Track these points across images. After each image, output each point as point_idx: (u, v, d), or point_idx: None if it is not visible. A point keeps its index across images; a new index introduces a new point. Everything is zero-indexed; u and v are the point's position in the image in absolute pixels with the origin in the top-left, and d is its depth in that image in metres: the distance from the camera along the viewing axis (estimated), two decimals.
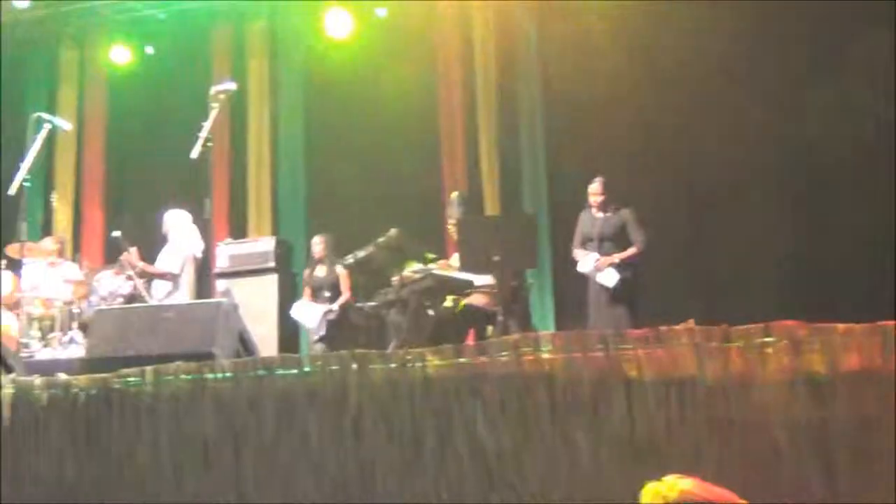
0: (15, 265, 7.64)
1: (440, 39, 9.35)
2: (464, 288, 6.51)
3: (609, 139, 8.15)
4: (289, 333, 8.18)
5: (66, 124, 7.19)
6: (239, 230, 9.51)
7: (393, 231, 6.92)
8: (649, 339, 3.50)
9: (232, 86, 6.88)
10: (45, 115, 6.92)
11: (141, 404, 4.14)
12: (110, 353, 5.07)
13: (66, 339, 7.51)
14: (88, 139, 10.31)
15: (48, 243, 8.27)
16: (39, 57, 10.53)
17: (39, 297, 7.63)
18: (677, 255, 7.85)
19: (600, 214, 6.98)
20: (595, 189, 7.00)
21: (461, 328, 6.55)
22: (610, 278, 6.75)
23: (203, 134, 6.18)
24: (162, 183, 9.18)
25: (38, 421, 4.28)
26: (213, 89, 6.62)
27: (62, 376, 4.44)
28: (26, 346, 7.18)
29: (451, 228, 7.12)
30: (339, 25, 9.35)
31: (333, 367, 3.90)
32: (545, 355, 3.61)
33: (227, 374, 4.08)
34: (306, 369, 3.96)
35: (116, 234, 7.68)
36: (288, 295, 8.25)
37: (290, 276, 8.55)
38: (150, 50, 10.13)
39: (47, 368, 5.44)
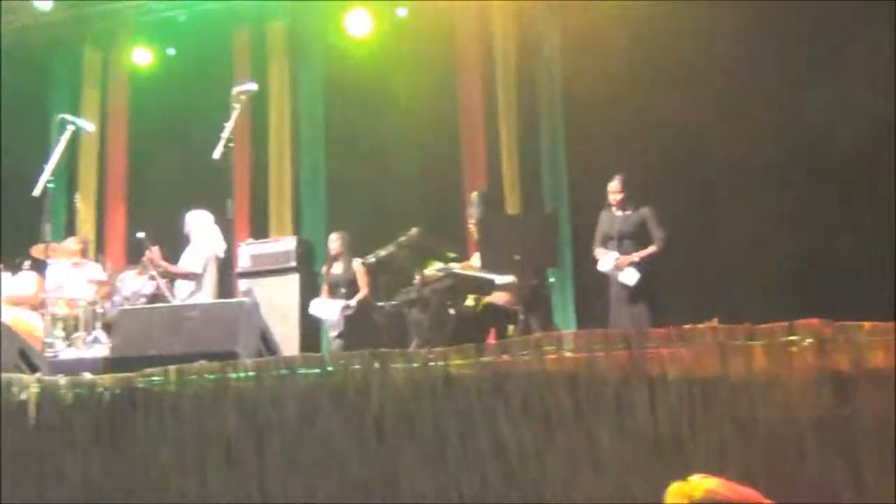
0: (39, 266, 7.70)
1: (460, 39, 9.34)
2: (485, 287, 6.51)
3: (629, 138, 8.10)
4: (310, 332, 8.21)
5: (89, 126, 7.24)
6: (260, 230, 9.54)
7: (414, 230, 6.91)
8: (673, 338, 3.49)
9: (253, 86, 6.92)
10: (68, 117, 7.01)
11: (164, 403, 4.17)
12: (134, 352, 5.09)
13: (90, 338, 7.54)
14: (111, 140, 10.37)
15: (72, 244, 8.32)
16: (63, 59, 10.59)
17: (63, 297, 7.67)
18: (688, 253, 7.79)
19: (620, 213, 6.96)
20: (615, 187, 6.98)
21: (482, 327, 6.53)
22: (630, 277, 6.73)
23: (225, 134, 6.22)
24: (184, 183, 9.22)
25: (63, 420, 4.31)
26: (235, 90, 6.66)
27: (87, 376, 4.46)
28: (51, 345, 7.21)
29: (472, 227, 7.12)
30: (359, 25, 9.39)
31: (356, 367, 3.91)
32: (567, 354, 3.60)
33: (250, 374, 4.10)
34: (329, 368, 3.97)
35: (141, 234, 7.71)
36: (309, 294, 8.25)
37: (311, 275, 8.56)
38: (171, 51, 10.22)
39: (72, 368, 5.46)
